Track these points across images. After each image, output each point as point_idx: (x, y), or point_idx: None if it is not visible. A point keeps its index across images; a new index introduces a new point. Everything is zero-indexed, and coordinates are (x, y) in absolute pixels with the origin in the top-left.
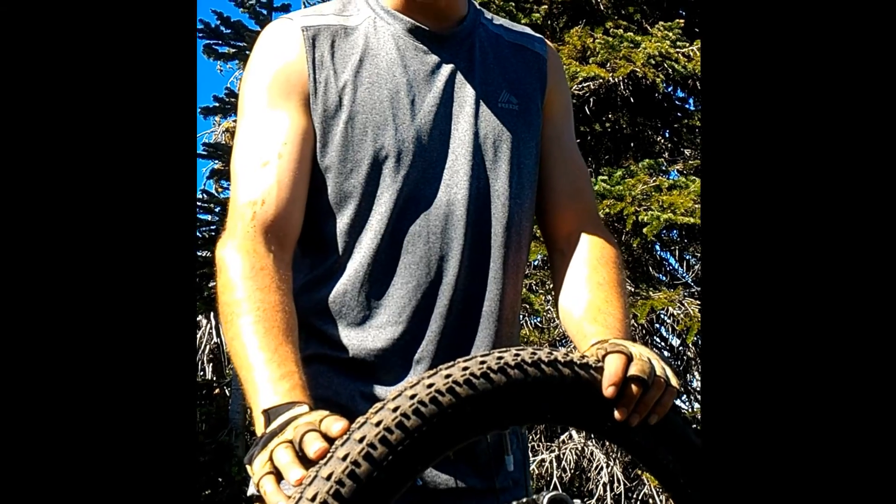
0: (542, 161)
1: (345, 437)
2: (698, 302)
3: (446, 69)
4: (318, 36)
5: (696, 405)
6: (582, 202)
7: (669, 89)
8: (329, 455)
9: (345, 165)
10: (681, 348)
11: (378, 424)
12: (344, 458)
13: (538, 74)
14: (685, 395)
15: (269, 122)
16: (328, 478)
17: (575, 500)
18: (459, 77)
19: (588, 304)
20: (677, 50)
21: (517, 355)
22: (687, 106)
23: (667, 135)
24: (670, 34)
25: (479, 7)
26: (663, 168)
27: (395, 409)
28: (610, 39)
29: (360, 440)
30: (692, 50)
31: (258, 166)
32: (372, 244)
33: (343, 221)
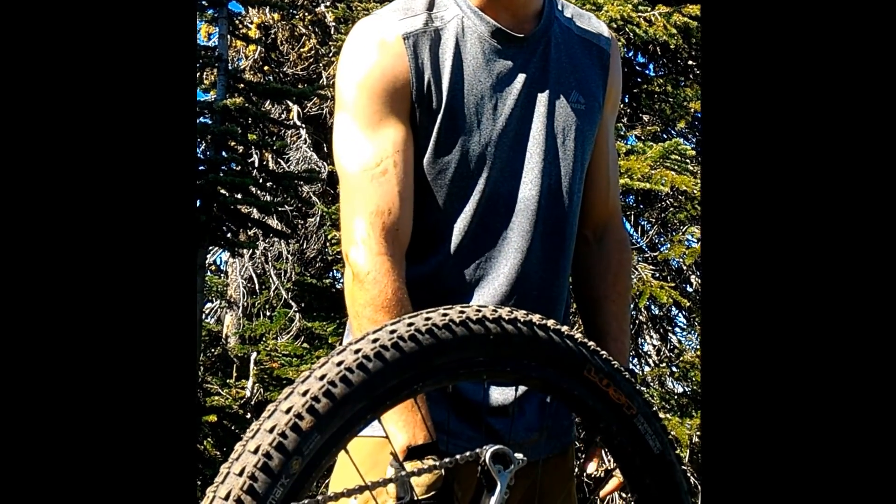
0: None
1: (289, 389)
2: (651, 266)
3: (525, 71)
4: (418, 43)
5: (647, 368)
6: (613, 196)
7: (630, 54)
8: (273, 408)
9: (434, 167)
10: (633, 312)
11: (322, 378)
12: (288, 411)
13: (601, 71)
14: (636, 359)
15: (381, 130)
16: (271, 430)
17: (517, 454)
18: (535, 78)
19: (612, 315)
20: (639, 14)
21: (462, 312)
22: (647, 72)
23: (626, 100)
24: None
25: None
26: (621, 133)
27: (339, 363)
28: (572, 1)
29: (304, 393)
30: (654, 15)
31: (378, 174)
32: (457, 240)
33: (433, 216)
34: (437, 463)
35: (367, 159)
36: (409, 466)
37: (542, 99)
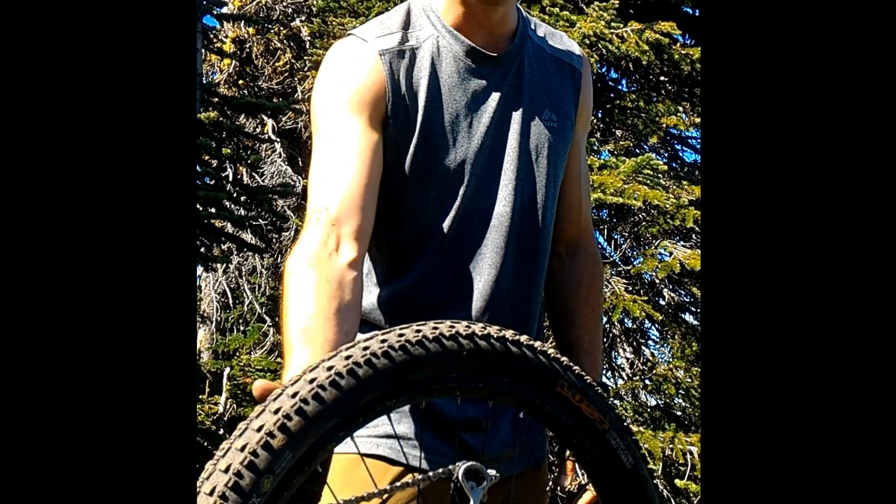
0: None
1: (261, 407)
2: (624, 280)
3: (499, 90)
4: (394, 61)
5: (620, 381)
6: (585, 212)
7: (603, 70)
8: (244, 426)
9: (411, 184)
10: (606, 325)
11: (294, 396)
12: (259, 430)
13: (573, 90)
14: (609, 372)
15: (342, 136)
16: (242, 448)
17: (490, 471)
18: (510, 96)
19: (585, 329)
20: (611, 31)
21: (435, 328)
22: (620, 87)
23: (599, 115)
24: (605, 14)
25: (525, 15)
26: (594, 148)
27: (311, 381)
28: (546, 18)
29: (276, 411)
30: (626, 31)
31: (329, 174)
32: (432, 257)
33: (409, 233)
34: (411, 480)
35: (324, 164)
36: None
37: (516, 117)
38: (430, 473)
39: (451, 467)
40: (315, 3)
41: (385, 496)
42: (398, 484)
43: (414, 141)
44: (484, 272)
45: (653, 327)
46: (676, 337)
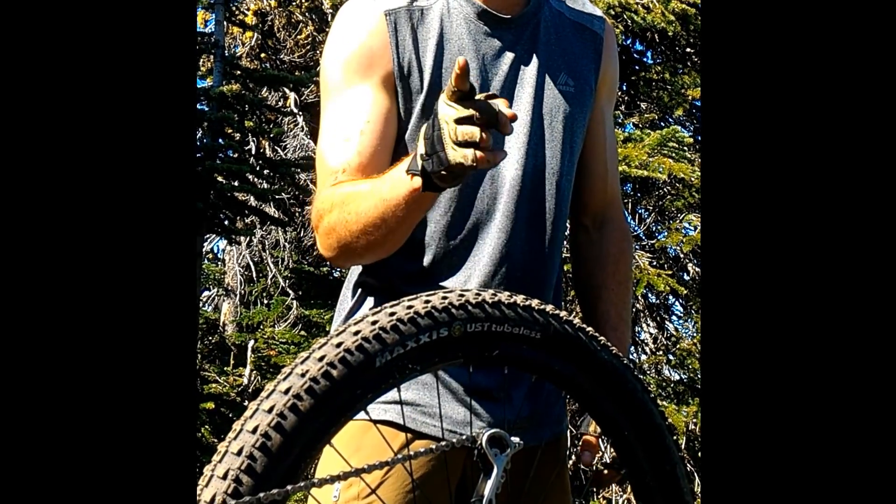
0: (586, 138)
1: (286, 371)
2: (649, 254)
3: (512, 52)
4: (399, 20)
5: (644, 356)
6: (612, 184)
7: (628, 41)
8: (258, 404)
9: (416, 147)
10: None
11: (321, 360)
12: (286, 391)
13: (594, 55)
14: (633, 347)
15: (353, 100)
16: (253, 431)
17: (514, 438)
18: (523, 59)
19: (612, 304)
20: (637, 1)
21: (478, 294)
22: (645, 59)
23: (624, 87)
24: None
25: None
26: (619, 120)
27: (356, 333)
28: None
29: (303, 375)
30: (652, 1)
31: (341, 141)
32: (442, 221)
33: None
34: (434, 446)
35: (335, 130)
36: None
37: (530, 80)
38: (454, 440)
39: (474, 434)
40: None
41: (402, 464)
42: (422, 450)
43: (420, 103)
44: (494, 237)
45: (677, 302)
46: (700, 311)
